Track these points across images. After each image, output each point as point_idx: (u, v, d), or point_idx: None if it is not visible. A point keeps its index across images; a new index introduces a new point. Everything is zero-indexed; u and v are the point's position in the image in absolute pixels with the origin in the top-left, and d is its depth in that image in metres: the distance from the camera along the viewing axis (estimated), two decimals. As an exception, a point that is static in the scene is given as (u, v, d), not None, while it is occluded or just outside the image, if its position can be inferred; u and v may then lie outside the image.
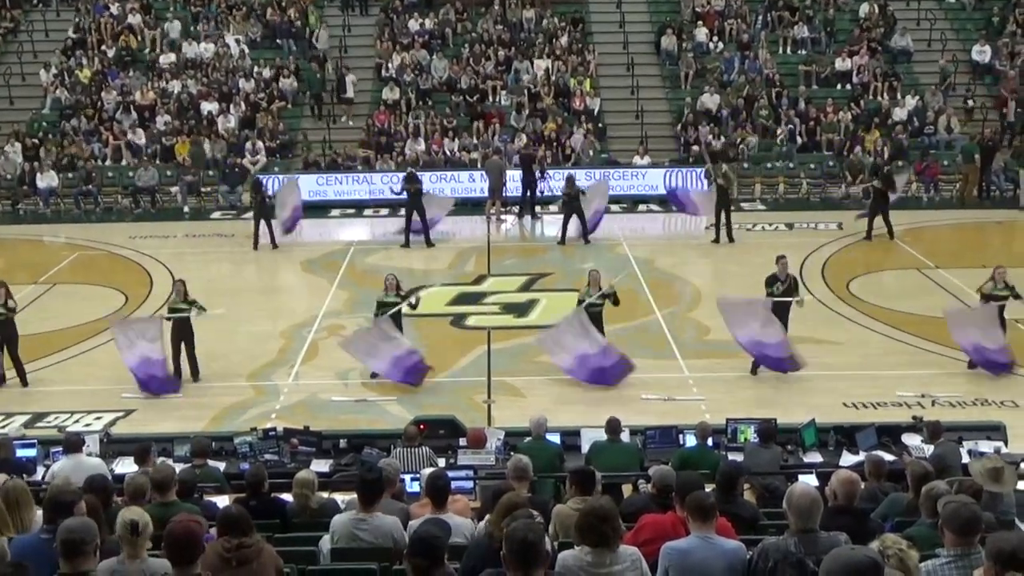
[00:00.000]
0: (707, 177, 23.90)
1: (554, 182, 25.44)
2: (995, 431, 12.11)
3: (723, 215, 22.77)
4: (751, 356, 15.41)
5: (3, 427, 13.66)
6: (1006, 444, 11.77)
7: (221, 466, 11.32)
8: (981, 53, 30.99)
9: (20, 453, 11.13)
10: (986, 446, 11.42)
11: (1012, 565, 4.68)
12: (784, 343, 15.23)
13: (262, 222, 22.76)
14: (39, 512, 6.94)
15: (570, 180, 23.28)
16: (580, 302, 15.71)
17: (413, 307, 15.87)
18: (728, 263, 21.81)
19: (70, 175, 27.64)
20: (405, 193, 23.13)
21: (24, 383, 15.47)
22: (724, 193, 22.94)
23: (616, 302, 15.80)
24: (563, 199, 23.43)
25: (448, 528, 7.13)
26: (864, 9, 32.73)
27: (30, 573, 5.05)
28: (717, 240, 22.79)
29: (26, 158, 27.89)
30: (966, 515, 5.58)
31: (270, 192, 24.04)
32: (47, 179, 27.03)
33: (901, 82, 30.29)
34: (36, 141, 28.41)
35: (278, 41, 32.00)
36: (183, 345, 15.50)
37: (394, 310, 15.48)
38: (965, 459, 10.73)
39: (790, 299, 15.75)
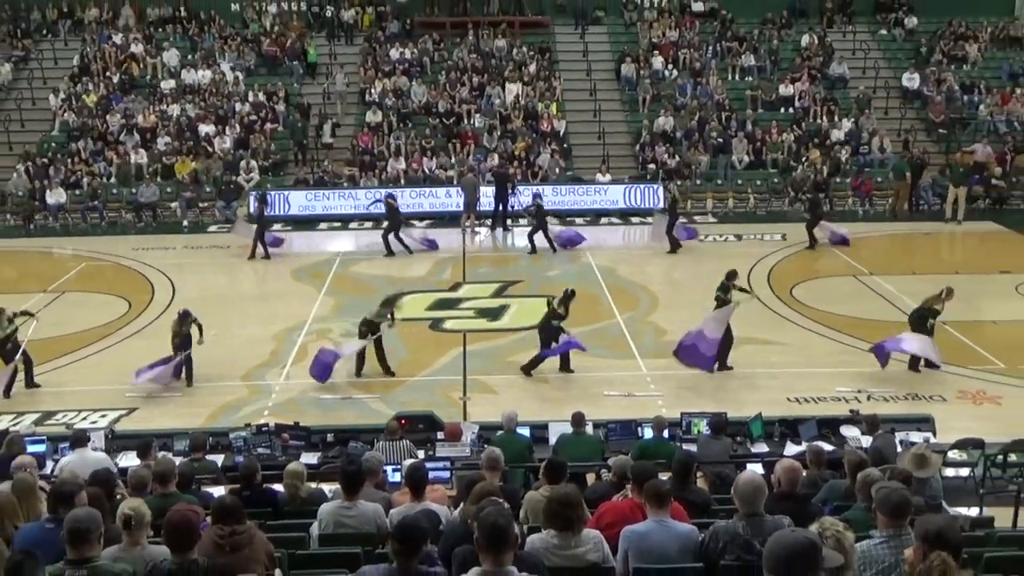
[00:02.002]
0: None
1: (524, 197, 25.48)
2: (924, 423, 12.21)
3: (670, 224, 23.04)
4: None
5: (15, 425, 13.52)
6: (934, 434, 11.87)
7: (218, 459, 11.26)
8: (911, 80, 31.30)
9: (30, 448, 11.02)
10: (916, 436, 11.50)
11: (939, 544, 4.70)
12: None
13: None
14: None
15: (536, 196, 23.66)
16: (548, 305, 15.75)
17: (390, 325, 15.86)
18: (682, 271, 21.89)
19: (77, 192, 27.40)
20: (385, 208, 23.30)
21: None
22: (673, 207, 23.32)
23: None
24: (531, 212, 23.58)
25: (437, 519, 7.08)
26: (805, 40, 33.00)
27: (38, 559, 5.01)
28: (673, 251, 22.86)
29: (36, 176, 27.63)
30: (897, 499, 5.61)
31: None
32: (56, 196, 26.78)
33: (838, 106, 30.52)
34: (46, 161, 28.16)
35: (287, 63, 31.83)
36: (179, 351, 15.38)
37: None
38: (899, 449, 10.82)
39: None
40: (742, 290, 16.35)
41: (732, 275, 16.13)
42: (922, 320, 15.55)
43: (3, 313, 15.18)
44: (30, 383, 15.30)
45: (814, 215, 23.24)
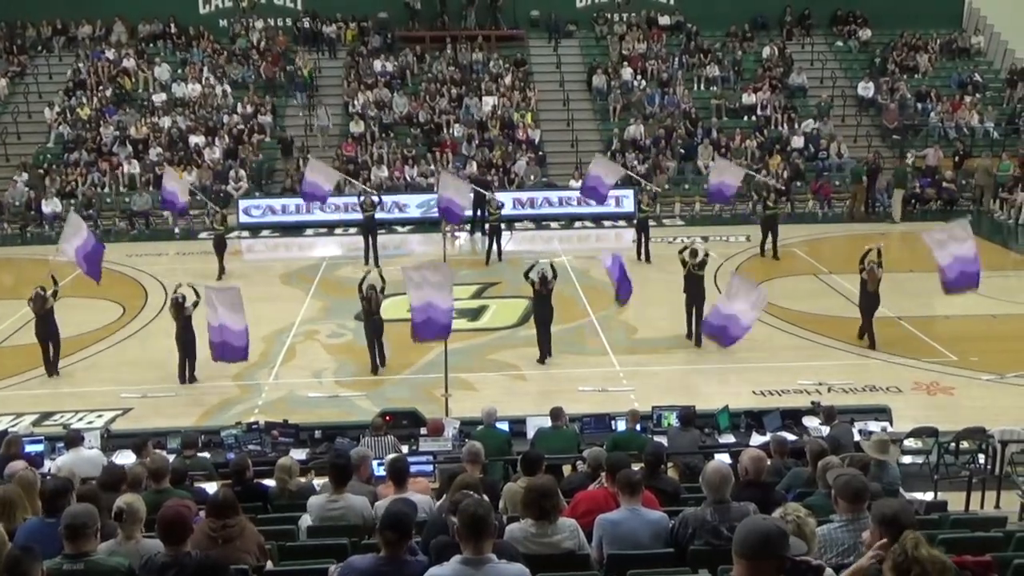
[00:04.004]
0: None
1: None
2: (882, 413, 12.30)
3: (642, 237, 22.75)
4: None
5: (13, 426, 13.39)
6: (891, 424, 11.96)
7: (205, 455, 11.17)
8: (866, 89, 31.52)
9: (28, 448, 10.91)
10: (874, 426, 11.59)
11: (894, 526, 4.74)
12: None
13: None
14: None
15: (492, 203, 23.37)
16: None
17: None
18: (651, 271, 21.88)
19: (72, 201, 27.21)
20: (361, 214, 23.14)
21: None
22: (644, 220, 22.89)
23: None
24: (489, 221, 23.29)
25: (415, 506, 7.08)
26: (766, 52, 33.18)
27: (37, 553, 4.97)
28: (639, 258, 22.46)
29: (32, 186, 27.42)
30: (856, 486, 5.65)
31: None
32: (51, 205, 26.60)
33: (798, 114, 30.70)
34: (41, 171, 27.95)
35: (294, 94, 31.31)
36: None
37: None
38: (857, 438, 10.90)
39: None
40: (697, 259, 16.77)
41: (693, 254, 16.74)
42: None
43: (48, 290, 15.77)
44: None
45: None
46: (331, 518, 7.30)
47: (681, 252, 16.94)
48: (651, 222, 23.10)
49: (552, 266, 16.21)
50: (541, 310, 16.01)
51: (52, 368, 15.80)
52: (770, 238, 22.68)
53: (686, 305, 16.77)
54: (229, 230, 23.35)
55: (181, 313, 15.30)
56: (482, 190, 24.49)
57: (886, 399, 13.53)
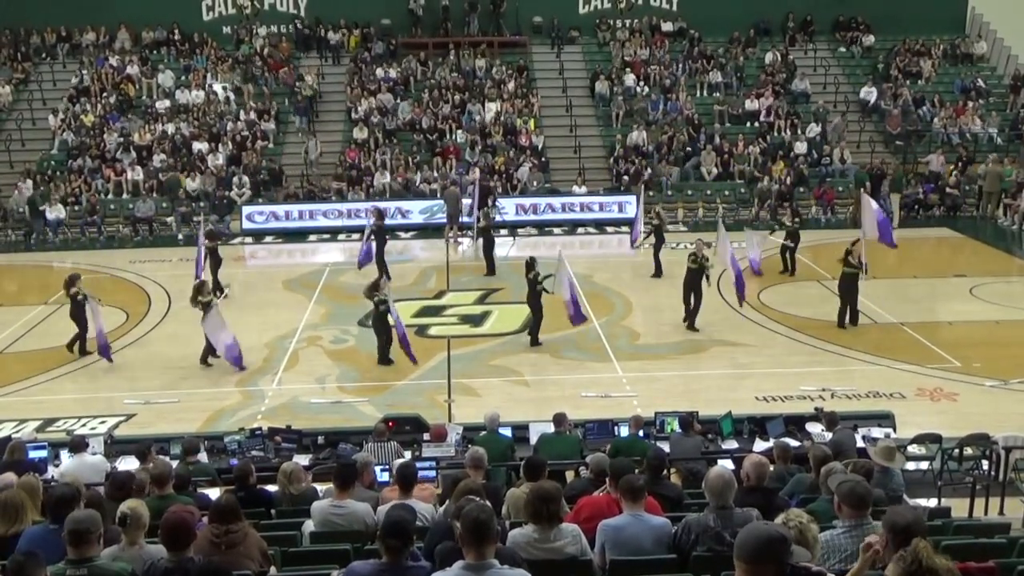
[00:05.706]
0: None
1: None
2: (885, 419, 12.26)
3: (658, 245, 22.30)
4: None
5: (17, 432, 13.38)
6: (895, 430, 11.92)
7: (205, 459, 11.16)
8: (868, 94, 31.54)
9: (32, 454, 10.92)
10: (878, 432, 11.56)
11: (905, 535, 4.73)
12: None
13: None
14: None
15: (486, 214, 23.42)
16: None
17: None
18: (654, 278, 21.85)
19: (76, 208, 27.27)
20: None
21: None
22: (659, 231, 22.26)
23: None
24: (480, 230, 22.96)
25: (414, 511, 7.09)
26: (769, 57, 33.21)
27: (41, 559, 4.98)
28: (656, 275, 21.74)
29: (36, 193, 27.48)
30: (861, 492, 5.66)
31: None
32: (55, 211, 26.64)
33: (801, 120, 30.70)
34: (46, 178, 28.00)
35: (293, 118, 31.07)
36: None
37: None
38: (860, 444, 10.89)
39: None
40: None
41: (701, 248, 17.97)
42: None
43: (79, 279, 16.63)
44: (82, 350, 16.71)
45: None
46: (334, 523, 7.31)
47: (692, 255, 17.85)
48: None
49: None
50: (537, 301, 16.91)
51: (82, 348, 16.70)
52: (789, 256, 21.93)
53: (684, 292, 17.73)
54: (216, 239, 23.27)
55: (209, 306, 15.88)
56: (488, 195, 24.54)
57: (889, 405, 13.50)
